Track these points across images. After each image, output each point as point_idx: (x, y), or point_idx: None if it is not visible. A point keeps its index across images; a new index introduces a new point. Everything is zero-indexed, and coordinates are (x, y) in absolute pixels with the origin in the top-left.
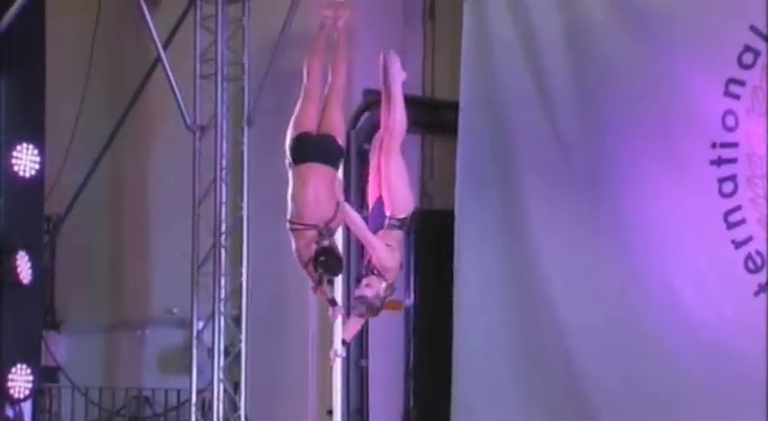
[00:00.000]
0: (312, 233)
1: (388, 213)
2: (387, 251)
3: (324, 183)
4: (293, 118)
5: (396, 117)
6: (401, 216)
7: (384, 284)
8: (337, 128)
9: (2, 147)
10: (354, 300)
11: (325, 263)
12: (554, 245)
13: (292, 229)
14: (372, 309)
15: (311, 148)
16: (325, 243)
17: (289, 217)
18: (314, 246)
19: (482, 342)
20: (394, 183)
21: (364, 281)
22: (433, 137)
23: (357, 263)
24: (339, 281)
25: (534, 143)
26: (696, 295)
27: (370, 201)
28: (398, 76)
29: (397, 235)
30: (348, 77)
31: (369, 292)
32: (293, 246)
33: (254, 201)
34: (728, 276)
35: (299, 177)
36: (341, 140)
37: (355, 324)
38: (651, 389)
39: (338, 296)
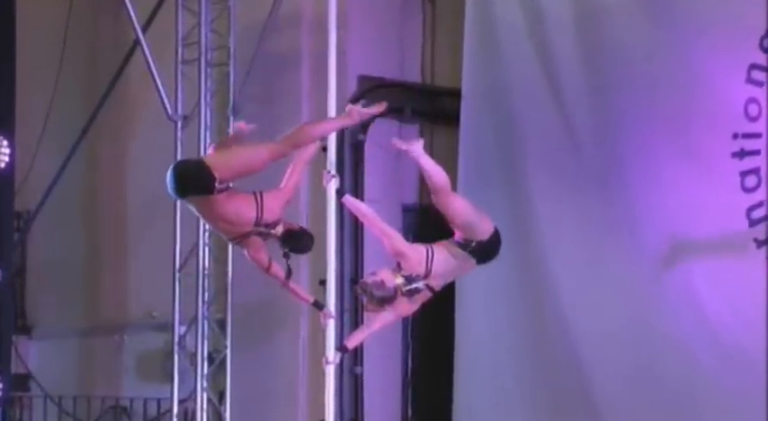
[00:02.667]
0: (254, 239)
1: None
2: (401, 237)
3: (216, 205)
4: None
5: (432, 179)
6: (478, 239)
7: (400, 278)
8: (225, 166)
9: None
10: (356, 287)
11: (293, 245)
12: (562, 242)
13: (236, 244)
14: (373, 298)
15: (182, 183)
16: (279, 231)
17: None
18: (264, 252)
19: (485, 344)
20: (464, 216)
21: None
22: (432, 126)
23: (351, 266)
24: (332, 283)
25: (542, 134)
26: (715, 295)
27: None
28: (412, 149)
29: (454, 249)
30: (342, 64)
31: (369, 279)
32: (247, 256)
33: None
34: (750, 276)
35: (193, 208)
36: (221, 174)
37: (363, 331)
38: (665, 390)
39: (331, 298)
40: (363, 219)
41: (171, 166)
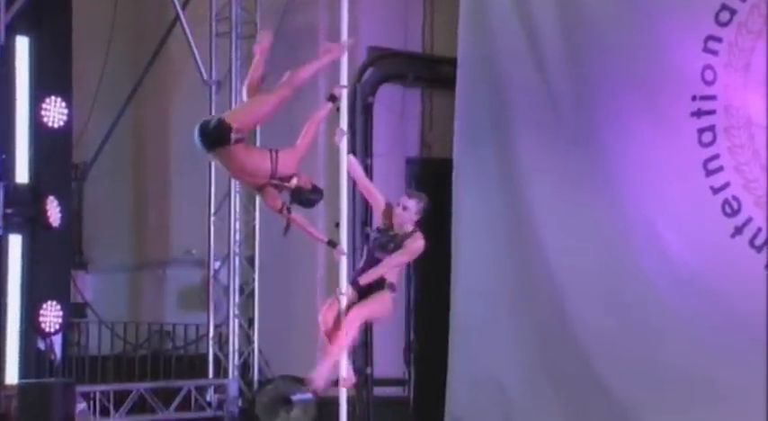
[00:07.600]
0: (270, 189)
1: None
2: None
3: (236, 157)
4: None
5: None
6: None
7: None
8: (240, 117)
9: (32, 99)
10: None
11: (300, 199)
12: (544, 192)
13: (256, 193)
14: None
15: (206, 137)
16: (292, 184)
17: None
18: (281, 199)
19: (478, 280)
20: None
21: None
22: (432, 90)
23: (361, 211)
24: (344, 225)
25: (527, 97)
26: (677, 238)
27: None
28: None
29: None
30: (353, 36)
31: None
32: (264, 203)
33: None
34: (707, 220)
35: (219, 162)
36: (237, 124)
37: (374, 273)
38: (635, 322)
39: (343, 238)
40: (356, 176)
41: (197, 125)
